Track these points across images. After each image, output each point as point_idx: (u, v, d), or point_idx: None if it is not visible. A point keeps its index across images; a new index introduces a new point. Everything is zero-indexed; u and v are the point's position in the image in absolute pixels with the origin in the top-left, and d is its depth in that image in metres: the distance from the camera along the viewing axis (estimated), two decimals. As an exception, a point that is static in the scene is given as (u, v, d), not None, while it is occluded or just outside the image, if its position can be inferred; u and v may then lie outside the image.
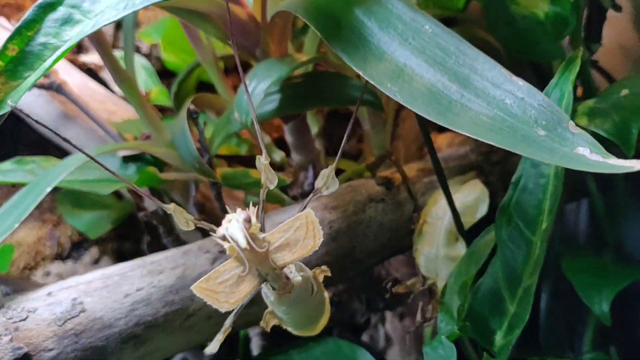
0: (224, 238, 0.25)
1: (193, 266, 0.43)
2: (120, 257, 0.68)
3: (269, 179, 0.31)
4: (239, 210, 0.27)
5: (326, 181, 0.34)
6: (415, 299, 0.44)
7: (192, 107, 0.46)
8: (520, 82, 0.28)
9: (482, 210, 0.47)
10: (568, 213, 0.63)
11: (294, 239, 0.27)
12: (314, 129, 0.53)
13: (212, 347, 0.36)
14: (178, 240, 0.50)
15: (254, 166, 0.56)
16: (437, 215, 0.47)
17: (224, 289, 0.27)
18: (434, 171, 0.50)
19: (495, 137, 0.27)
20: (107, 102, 0.58)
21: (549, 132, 0.27)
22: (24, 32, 0.29)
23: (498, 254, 0.38)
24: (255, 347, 0.58)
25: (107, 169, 0.31)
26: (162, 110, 0.69)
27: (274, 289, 0.30)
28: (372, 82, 0.30)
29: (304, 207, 0.35)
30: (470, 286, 0.40)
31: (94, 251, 0.68)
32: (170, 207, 0.30)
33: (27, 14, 0.30)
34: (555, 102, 0.37)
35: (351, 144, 0.80)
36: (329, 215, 0.45)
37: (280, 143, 0.63)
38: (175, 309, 0.41)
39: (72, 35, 0.30)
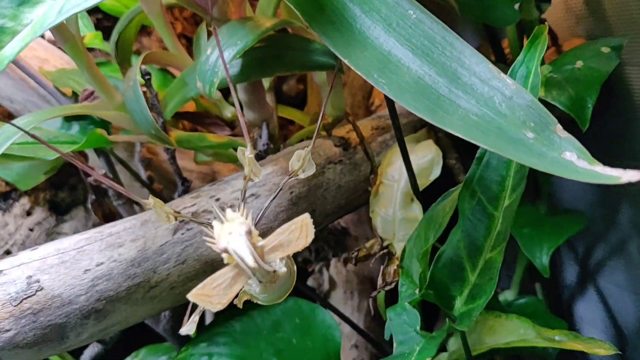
0: (225, 251, 0.25)
1: (154, 237, 0.41)
2: (54, 207, 0.65)
3: (254, 172, 0.30)
4: (230, 214, 0.27)
5: (302, 164, 0.34)
6: (376, 262, 0.45)
7: (143, 67, 0.43)
8: (508, 80, 0.29)
9: (436, 172, 0.48)
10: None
11: (287, 240, 0.27)
12: (266, 83, 0.51)
13: (188, 329, 0.35)
14: (129, 203, 0.48)
15: (202, 121, 0.54)
16: (392, 178, 0.48)
17: (218, 292, 0.26)
18: (387, 130, 0.51)
19: (485, 139, 0.27)
20: (36, 48, 0.53)
21: (537, 134, 0.27)
22: (-24, 14, 0.26)
23: (459, 225, 0.40)
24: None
25: (44, 143, 0.29)
26: (90, 49, 0.64)
27: (259, 281, 0.30)
28: (358, 72, 0.29)
29: (279, 190, 0.35)
30: (430, 253, 0.41)
31: (24, 201, 0.65)
32: (150, 202, 0.29)
33: (-22, -9, 0.26)
34: (521, 80, 0.37)
35: (290, 85, 0.79)
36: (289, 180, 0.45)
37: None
38: (138, 282, 0.41)
39: (33, 18, 0.26)
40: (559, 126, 0.27)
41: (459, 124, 0.28)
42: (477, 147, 0.41)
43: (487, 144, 0.27)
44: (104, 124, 0.47)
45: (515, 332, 0.44)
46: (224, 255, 0.25)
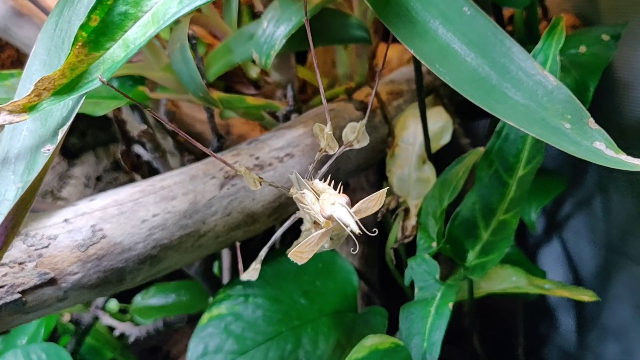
0: (330, 218, 0.29)
1: (202, 192, 0.45)
2: (65, 152, 0.68)
3: (330, 146, 0.35)
4: (320, 185, 0.31)
5: (357, 135, 0.38)
6: (395, 218, 0.51)
7: (190, 32, 0.46)
8: (550, 77, 0.34)
9: (446, 137, 0.53)
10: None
11: (366, 207, 0.32)
12: (289, 46, 0.55)
13: (251, 275, 0.41)
14: (164, 157, 0.52)
15: (230, 79, 0.57)
16: (407, 141, 0.53)
17: (307, 249, 0.31)
18: (401, 95, 0.56)
19: (532, 127, 0.33)
20: None
21: (573, 125, 0.33)
22: (105, 1, 0.29)
23: (475, 189, 0.45)
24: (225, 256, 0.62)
25: (114, 89, 0.32)
26: None
27: (331, 239, 0.35)
28: (423, 61, 0.34)
29: (334, 159, 0.39)
30: (445, 213, 0.47)
31: (35, 145, 0.66)
32: (241, 170, 0.33)
33: (106, -20, 0.29)
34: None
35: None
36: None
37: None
38: (189, 232, 0.45)
39: (153, 5, 0.30)
40: (592, 119, 0.33)
41: (509, 113, 0.33)
42: (477, 114, 0.47)
43: (533, 132, 0.32)
44: (142, 80, 0.50)
45: (509, 279, 0.52)
46: (322, 220, 0.30)
